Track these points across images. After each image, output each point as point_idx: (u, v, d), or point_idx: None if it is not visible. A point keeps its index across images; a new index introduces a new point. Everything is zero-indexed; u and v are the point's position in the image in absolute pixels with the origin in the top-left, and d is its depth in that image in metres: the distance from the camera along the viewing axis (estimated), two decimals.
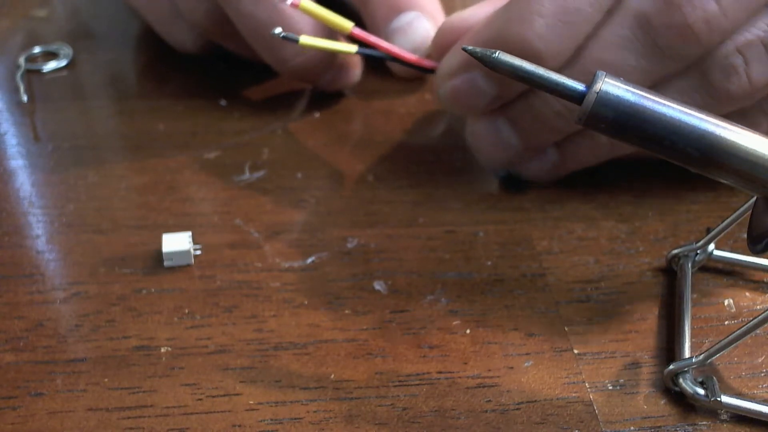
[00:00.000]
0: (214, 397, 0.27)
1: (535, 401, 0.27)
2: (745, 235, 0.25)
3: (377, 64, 0.41)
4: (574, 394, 0.27)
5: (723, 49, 0.29)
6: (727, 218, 0.29)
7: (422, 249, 0.33)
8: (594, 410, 0.27)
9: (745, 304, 0.31)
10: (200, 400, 0.26)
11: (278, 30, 0.33)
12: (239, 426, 0.26)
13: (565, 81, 0.21)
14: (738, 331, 0.25)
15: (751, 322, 0.24)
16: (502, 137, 0.34)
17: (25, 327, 0.29)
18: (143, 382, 0.27)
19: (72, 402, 0.26)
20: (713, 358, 0.26)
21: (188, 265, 0.31)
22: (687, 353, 0.28)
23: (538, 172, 0.35)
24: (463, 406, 0.27)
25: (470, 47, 0.22)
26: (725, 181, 0.23)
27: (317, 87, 0.41)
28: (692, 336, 0.29)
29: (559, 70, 0.23)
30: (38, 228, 0.33)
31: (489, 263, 0.32)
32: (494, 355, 0.28)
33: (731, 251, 0.32)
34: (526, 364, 0.28)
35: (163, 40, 0.43)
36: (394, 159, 0.38)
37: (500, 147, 0.34)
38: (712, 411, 0.27)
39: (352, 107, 0.42)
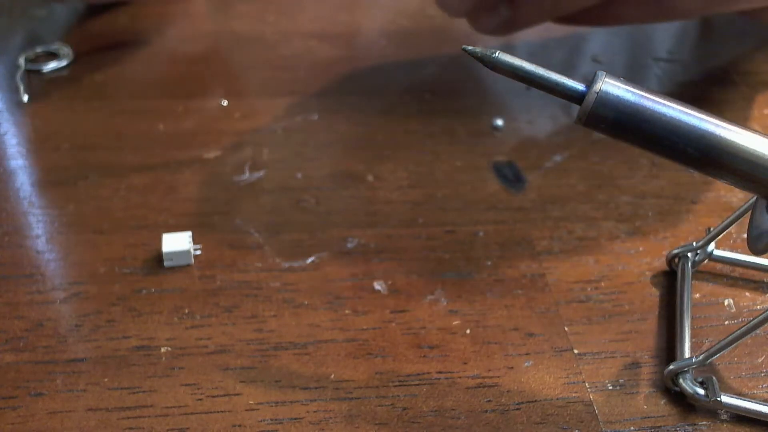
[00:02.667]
0: (214, 397, 0.27)
1: (535, 401, 0.27)
2: (745, 235, 0.25)
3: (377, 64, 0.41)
4: (574, 394, 0.27)
5: None
6: (727, 218, 0.29)
7: (422, 249, 0.33)
8: (594, 410, 0.27)
9: (745, 304, 0.31)
10: (200, 400, 0.26)
11: None
12: (239, 426, 0.26)
13: (565, 81, 0.21)
14: (738, 331, 0.25)
15: (751, 322, 0.24)
16: None
17: (25, 327, 0.29)
18: (143, 382, 0.27)
19: (72, 402, 0.26)
20: (713, 358, 0.26)
21: (188, 265, 0.31)
22: (687, 353, 0.28)
23: (489, 26, 0.38)
24: (463, 406, 0.27)
25: (470, 48, 0.22)
26: (725, 181, 0.23)
27: None
28: (692, 336, 0.29)
29: None
30: (38, 228, 0.33)
31: (489, 263, 0.32)
32: (494, 355, 0.28)
33: (731, 251, 0.32)
34: (526, 364, 0.28)
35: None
36: (394, 159, 0.38)
37: None
38: (712, 411, 0.27)
39: (352, 107, 0.42)
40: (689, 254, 0.31)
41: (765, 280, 0.32)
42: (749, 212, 0.25)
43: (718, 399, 0.26)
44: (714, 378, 0.26)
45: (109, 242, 0.32)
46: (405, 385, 0.27)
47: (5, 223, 0.33)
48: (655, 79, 0.45)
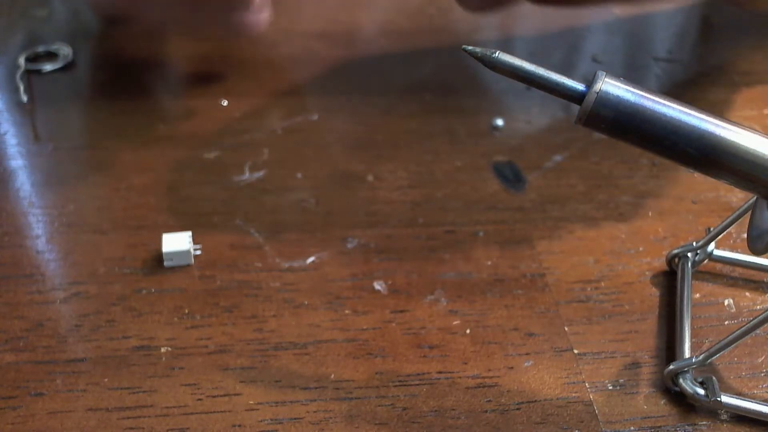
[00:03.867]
0: (214, 397, 0.27)
1: (535, 401, 0.27)
2: (745, 235, 0.25)
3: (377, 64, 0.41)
4: (574, 394, 0.27)
5: None
6: (727, 218, 0.29)
7: (422, 249, 0.33)
8: (594, 410, 0.27)
9: (745, 304, 0.31)
10: (200, 400, 0.26)
11: None
12: (239, 426, 0.26)
13: (565, 81, 0.21)
14: (738, 331, 0.25)
15: (751, 322, 0.24)
16: None
17: (25, 327, 0.29)
18: (143, 382, 0.27)
19: (72, 402, 0.26)
20: (713, 358, 0.26)
21: (188, 265, 0.31)
22: (687, 353, 0.28)
23: (475, 2, 0.39)
24: (463, 406, 0.27)
25: (470, 47, 0.22)
26: (725, 181, 0.23)
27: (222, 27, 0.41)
28: (692, 336, 0.29)
29: None
30: (38, 228, 0.33)
31: (489, 263, 0.32)
32: (494, 355, 0.28)
33: (731, 251, 0.32)
34: (526, 364, 0.28)
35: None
36: (394, 159, 0.38)
37: None
38: (712, 411, 0.27)
39: (352, 107, 0.42)
40: (689, 254, 0.31)
41: (765, 280, 0.32)
42: (749, 212, 0.25)
43: (718, 399, 0.26)
44: (714, 378, 0.26)
45: (109, 242, 0.32)
46: (405, 385, 0.27)
47: (5, 223, 0.33)
48: (655, 79, 0.45)
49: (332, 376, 0.27)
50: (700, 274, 0.32)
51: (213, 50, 0.46)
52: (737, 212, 0.29)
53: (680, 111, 0.21)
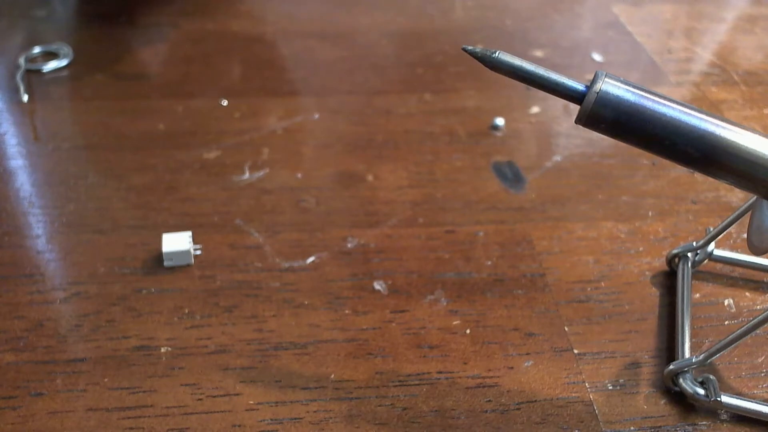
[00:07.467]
0: (214, 397, 0.27)
1: (535, 401, 0.27)
2: (745, 235, 0.25)
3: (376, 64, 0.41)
4: (574, 394, 0.27)
5: None
6: (727, 218, 0.29)
7: (422, 249, 0.33)
8: (594, 410, 0.27)
9: (745, 304, 0.31)
10: (200, 400, 0.26)
11: None
12: (239, 426, 0.26)
13: (565, 81, 0.21)
14: (738, 331, 0.25)
15: (751, 322, 0.24)
16: None
17: (25, 327, 0.29)
18: (143, 382, 0.27)
19: (72, 402, 0.26)
20: (713, 358, 0.26)
21: (188, 265, 0.31)
22: (687, 353, 0.28)
23: None
24: (463, 406, 0.27)
25: (470, 47, 0.22)
26: (725, 181, 0.23)
27: None
28: (692, 336, 0.29)
29: None
30: (38, 228, 0.33)
31: (489, 263, 0.32)
32: (494, 355, 0.28)
33: (731, 251, 0.32)
34: (526, 364, 0.28)
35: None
36: (394, 159, 0.38)
37: None
38: (712, 411, 0.27)
39: (352, 107, 0.42)
40: (689, 254, 0.31)
41: (765, 280, 0.32)
42: (749, 212, 0.25)
43: (718, 399, 0.26)
44: (714, 378, 0.26)
45: (109, 242, 0.32)
46: (405, 385, 0.27)
47: (5, 223, 0.33)
48: (655, 78, 0.45)
49: (332, 376, 0.27)
50: (700, 274, 0.32)
51: (212, 50, 0.46)
52: (737, 212, 0.29)
53: (680, 111, 0.21)
